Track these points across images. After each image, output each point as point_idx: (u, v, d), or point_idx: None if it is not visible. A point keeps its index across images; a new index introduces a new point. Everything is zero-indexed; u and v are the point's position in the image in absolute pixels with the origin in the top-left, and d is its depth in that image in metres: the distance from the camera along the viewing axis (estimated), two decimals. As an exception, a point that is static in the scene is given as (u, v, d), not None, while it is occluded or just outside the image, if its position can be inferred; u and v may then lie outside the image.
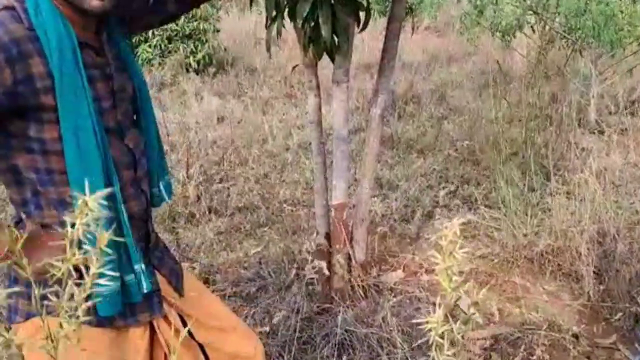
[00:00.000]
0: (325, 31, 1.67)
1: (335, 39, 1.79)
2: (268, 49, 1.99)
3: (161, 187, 1.24)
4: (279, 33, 1.91)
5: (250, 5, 2.00)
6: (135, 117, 1.17)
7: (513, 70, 6.66)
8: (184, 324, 1.22)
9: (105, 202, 0.98)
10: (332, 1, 1.67)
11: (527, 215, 3.02)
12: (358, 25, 1.82)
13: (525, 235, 2.95)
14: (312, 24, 1.77)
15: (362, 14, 1.82)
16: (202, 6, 6.66)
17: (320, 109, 2.11)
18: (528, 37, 6.10)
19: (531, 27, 5.89)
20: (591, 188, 3.10)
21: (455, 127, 5.13)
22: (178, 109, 5.20)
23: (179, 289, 1.25)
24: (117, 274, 1.02)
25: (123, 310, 1.09)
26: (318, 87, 2.07)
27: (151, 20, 1.29)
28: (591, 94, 5.30)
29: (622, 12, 4.87)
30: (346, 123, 2.03)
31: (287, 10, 1.86)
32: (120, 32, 1.13)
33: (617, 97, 5.69)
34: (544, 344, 2.13)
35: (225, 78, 6.52)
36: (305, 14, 1.67)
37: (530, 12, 5.51)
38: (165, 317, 1.20)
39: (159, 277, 1.21)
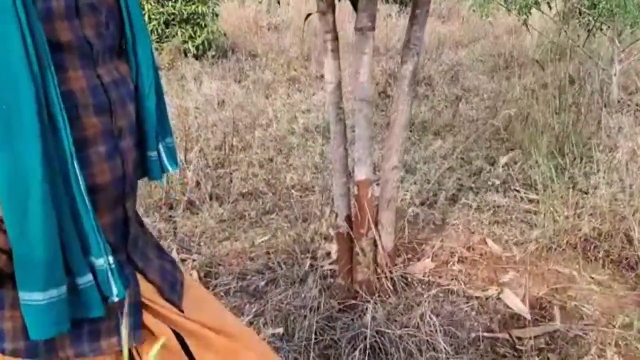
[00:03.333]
0: (348, -42, 1.34)
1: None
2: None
3: (161, 150, 0.87)
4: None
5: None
6: (120, 43, 0.80)
7: (524, 51, 6.35)
8: (183, 345, 0.84)
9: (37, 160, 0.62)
10: None
11: (567, 195, 2.68)
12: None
13: (567, 218, 2.61)
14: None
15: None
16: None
17: (339, 67, 1.77)
18: (545, 15, 5.75)
19: (547, 3, 5.54)
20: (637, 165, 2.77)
21: (473, 107, 4.80)
22: (176, 93, 4.86)
23: (174, 300, 0.86)
24: (59, 273, 0.66)
25: (73, 330, 0.71)
26: (336, 38, 1.73)
27: None
28: (613, 71, 4.97)
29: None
30: (370, 81, 1.69)
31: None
32: None
33: (641, 74, 5.37)
34: (609, 343, 1.79)
35: (226, 63, 6.19)
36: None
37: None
38: (153, 336, 0.81)
39: (145, 284, 0.82)
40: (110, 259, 0.71)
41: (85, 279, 0.70)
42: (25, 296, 0.65)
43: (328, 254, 1.85)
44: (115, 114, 0.74)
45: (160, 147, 0.86)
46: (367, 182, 1.80)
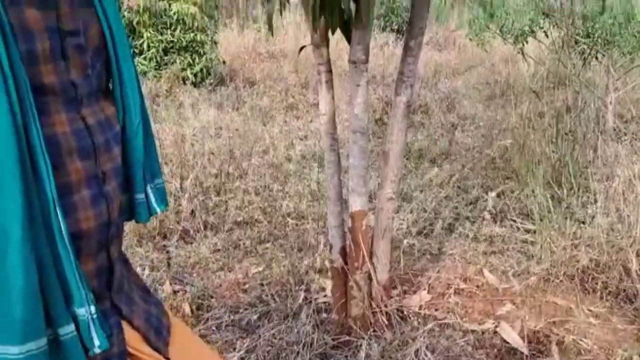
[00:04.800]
0: (342, -7, 1.34)
1: (352, 8, 1.46)
2: (270, 28, 1.66)
3: (149, 192, 0.85)
4: (282, 5, 1.58)
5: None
6: (107, 83, 0.78)
7: (521, 79, 6.40)
8: None
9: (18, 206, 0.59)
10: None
11: (565, 226, 2.66)
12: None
13: (564, 249, 2.58)
14: (325, -12, 1.45)
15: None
16: (198, 17, 6.42)
17: (333, 98, 1.77)
18: (541, 43, 5.82)
19: (544, 32, 5.61)
20: (634, 195, 2.76)
21: (469, 135, 4.81)
22: (173, 121, 4.87)
23: (160, 348, 0.83)
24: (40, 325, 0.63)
25: None
26: (330, 70, 1.73)
27: None
28: (609, 100, 5.00)
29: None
30: (365, 112, 1.69)
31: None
32: None
33: (637, 103, 5.41)
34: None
35: (224, 90, 6.22)
36: (316, -27, 1.34)
37: (544, 16, 5.22)
38: None
39: (130, 332, 0.79)
40: (92, 308, 0.68)
41: (67, 329, 0.67)
42: (0, 349, 0.62)
43: (323, 289, 1.82)
44: (99, 158, 0.72)
45: (149, 188, 0.84)
46: (361, 214, 1.78)
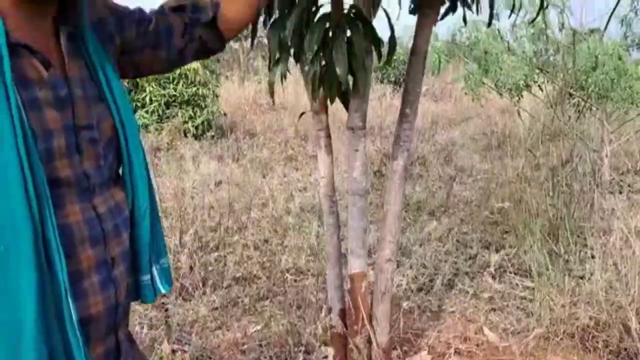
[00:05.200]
0: (340, 67, 1.41)
1: (350, 77, 1.53)
2: (271, 95, 1.72)
3: (155, 273, 0.85)
4: (283, 76, 1.65)
5: (252, 44, 1.74)
6: (117, 171, 0.81)
7: (516, 131, 6.52)
8: None
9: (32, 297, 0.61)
10: (348, 31, 1.41)
11: (563, 283, 2.67)
12: (379, 58, 1.56)
13: (563, 307, 2.58)
14: (323, 60, 1.51)
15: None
16: (200, 72, 6.58)
17: (332, 162, 1.82)
18: (536, 97, 5.95)
19: (539, 86, 5.75)
20: (632, 251, 2.77)
21: (467, 187, 4.86)
22: (174, 174, 4.92)
23: None
24: None
25: None
26: (329, 136, 1.79)
27: (147, 55, 0.93)
28: (604, 152, 5.08)
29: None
30: (364, 176, 1.73)
31: (292, 50, 1.61)
32: (103, 50, 0.79)
33: (632, 155, 5.49)
34: None
35: (225, 142, 6.32)
36: (316, 48, 1.41)
37: (538, 71, 5.36)
38: None
39: None
40: None
41: None
42: None
43: (325, 357, 1.81)
44: (109, 244, 0.75)
45: (154, 269, 0.85)
46: (361, 276, 1.80)
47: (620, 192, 4.70)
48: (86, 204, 0.72)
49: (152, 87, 6.12)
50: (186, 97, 6.32)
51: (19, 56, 0.65)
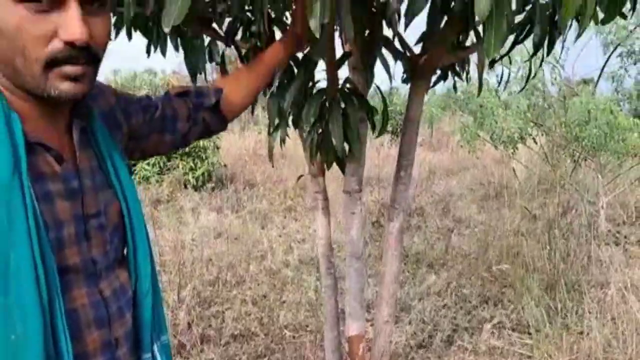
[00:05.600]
0: (336, 138, 1.47)
1: (346, 145, 1.59)
2: (271, 158, 1.79)
3: (155, 351, 0.86)
4: (282, 141, 1.72)
5: (252, 111, 1.81)
6: (122, 252, 0.84)
7: (513, 181, 6.58)
8: None
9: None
10: (343, 104, 1.49)
11: (561, 340, 2.67)
12: (373, 130, 1.63)
13: (562, 365, 2.57)
14: (320, 130, 1.58)
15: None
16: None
17: (329, 224, 1.86)
18: (530, 149, 6.06)
19: (533, 139, 5.87)
20: (628, 306, 2.78)
21: (465, 239, 4.88)
22: (173, 226, 4.95)
23: None
24: None
25: None
26: (326, 198, 1.84)
27: (153, 140, 0.99)
28: (600, 204, 5.13)
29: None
30: (361, 238, 1.77)
31: (291, 117, 1.69)
32: (111, 138, 0.84)
33: (628, 206, 5.53)
34: None
35: (224, 193, 6.37)
36: (313, 120, 1.48)
37: (532, 124, 5.49)
38: None
39: None
40: None
41: None
42: None
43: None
44: (113, 325, 0.78)
45: (155, 347, 0.87)
46: (359, 338, 1.81)
47: (617, 244, 4.72)
48: (93, 289, 0.76)
49: (154, 139, 6.22)
50: (187, 149, 6.42)
51: (35, 154, 0.70)
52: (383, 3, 1.34)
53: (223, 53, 1.80)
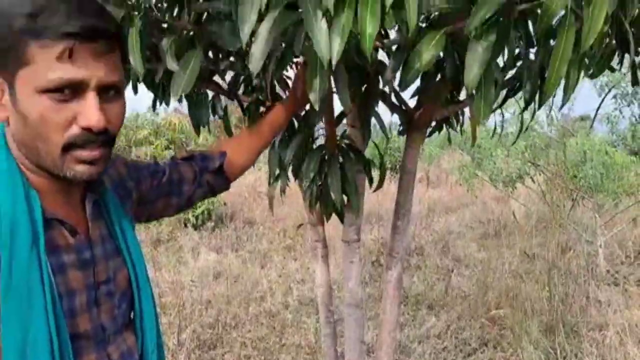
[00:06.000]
0: (335, 192, 1.52)
1: (345, 197, 1.64)
2: (271, 207, 1.83)
3: None
4: (282, 191, 1.77)
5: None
6: (129, 315, 0.89)
7: (512, 219, 6.61)
8: None
9: None
10: (341, 158, 1.54)
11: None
12: (370, 184, 1.68)
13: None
14: (319, 182, 1.63)
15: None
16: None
17: (328, 272, 1.90)
18: (529, 188, 6.11)
19: (531, 178, 5.93)
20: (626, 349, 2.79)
21: (465, 280, 4.88)
22: (173, 267, 4.96)
23: None
24: None
25: None
26: (326, 246, 1.88)
27: (161, 204, 1.05)
28: (598, 243, 5.15)
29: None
30: (359, 286, 1.80)
31: (291, 167, 1.74)
32: (121, 206, 0.89)
33: (626, 246, 5.55)
34: None
35: (224, 232, 6.39)
36: (313, 175, 1.53)
37: (530, 164, 5.56)
38: None
39: None
40: None
41: None
42: None
43: None
44: None
45: None
46: (357, 386, 1.82)
47: (616, 285, 4.72)
48: (102, 353, 0.80)
49: (155, 178, 6.28)
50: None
51: (52, 228, 0.75)
52: (378, 73, 1.40)
53: (226, 107, 1.87)
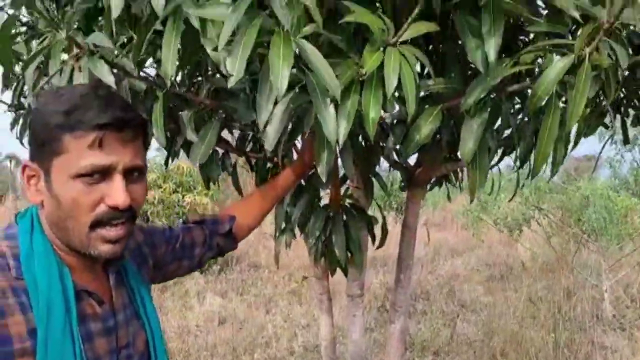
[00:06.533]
0: (339, 249, 1.59)
1: (349, 253, 1.70)
2: (277, 261, 1.89)
3: None
4: (288, 245, 1.83)
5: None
6: None
7: (518, 263, 6.60)
8: None
9: None
10: (345, 217, 1.61)
11: None
12: (373, 241, 1.74)
13: None
14: (324, 238, 1.70)
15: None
16: (209, 207, 6.84)
17: (332, 324, 1.94)
18: (534, 232, 6.14)
19: (536, 221, 5.97)
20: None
21: (470, 325, 4.86)
22: (179, 312, 4.97)
23: None
24: None
25: None
26: (330, 299, 1.92)
27: (174, 266, 1.12)
28: (604, 287, 5.14)
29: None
30: (363, 339, 1.84)
31: (297, 222, 1.81)
32: (138, 273, 0.97)
33: (631, 290, 5.52)
34: None
35: (230, 275, 6.41)
36: (318, 233, 1.60)
37: (534, 208, 5.61)
38: None
39: None
40: None
41: None
42: None
43: None
44: None
45: None
46: None
47: (623, 330, 4.68)
48: None
49: (163, 222, 6.35)
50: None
51: (81, 299, 0.83)
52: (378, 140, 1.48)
53: (235, 163, 1.95)
